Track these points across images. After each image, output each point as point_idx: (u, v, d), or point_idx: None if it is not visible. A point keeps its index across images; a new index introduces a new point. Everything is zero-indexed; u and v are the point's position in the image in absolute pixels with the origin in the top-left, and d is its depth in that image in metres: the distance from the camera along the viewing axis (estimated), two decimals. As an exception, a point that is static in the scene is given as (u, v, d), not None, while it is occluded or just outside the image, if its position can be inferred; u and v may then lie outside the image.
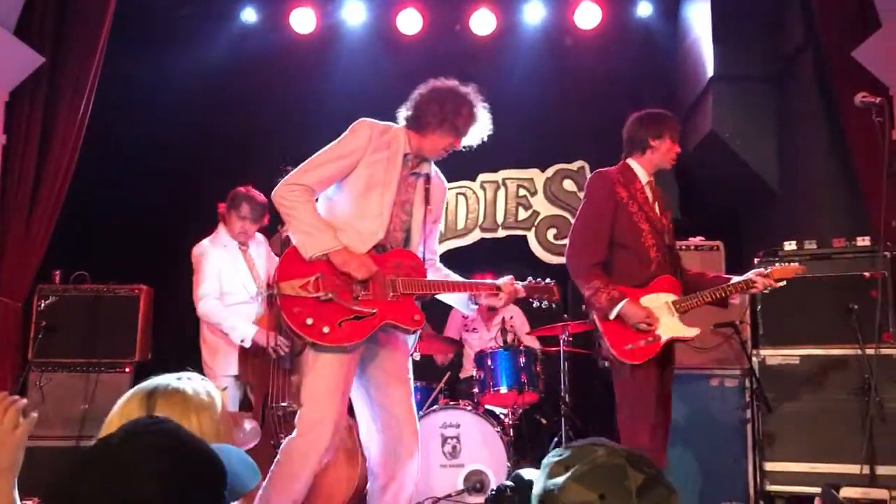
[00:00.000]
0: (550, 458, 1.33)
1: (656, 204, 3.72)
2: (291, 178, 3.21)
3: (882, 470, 4.18)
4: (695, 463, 4.83)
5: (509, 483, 1.82)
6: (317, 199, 3.28)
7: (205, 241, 4.47)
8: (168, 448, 1.18)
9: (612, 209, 3.55)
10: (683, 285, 3.66)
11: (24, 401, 1.47)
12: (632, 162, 3.71)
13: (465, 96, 3.37)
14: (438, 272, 3.54)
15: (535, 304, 3.65)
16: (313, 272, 3.14)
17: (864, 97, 3.65)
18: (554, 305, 3.69)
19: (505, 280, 3.48)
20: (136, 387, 1.59)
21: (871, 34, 4.60)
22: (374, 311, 3.17)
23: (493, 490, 1.78)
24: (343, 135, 3.30)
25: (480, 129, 3.44)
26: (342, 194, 3.28)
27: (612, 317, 3.42)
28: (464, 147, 3.47)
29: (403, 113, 3.41)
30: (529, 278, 3.63)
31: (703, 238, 5.30)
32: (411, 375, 3.43)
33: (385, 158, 3.29)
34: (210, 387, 1.61)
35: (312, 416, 3.14)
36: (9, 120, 5.12)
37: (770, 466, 4.65)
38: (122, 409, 1.52)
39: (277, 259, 3.68)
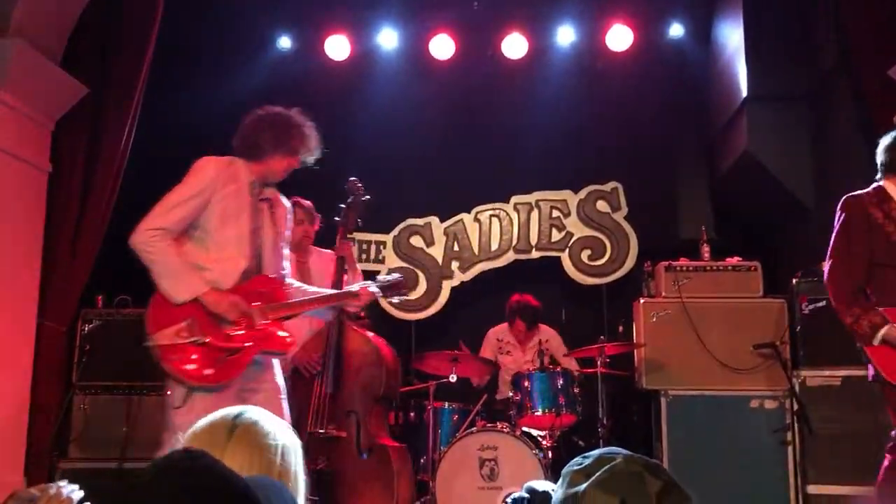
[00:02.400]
0: (570, 467, 1.37)
1: None
2: (147, 223, 3.25)
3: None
4: (735, 486, 4.79)
5: (525, 494, 1.81)
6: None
7: None
8: (203, 489, 1.14)
9: (866, 231, 3.49)
10: None
11: (79, 493, 1.38)
12: (887, 184, 3.60)
13: (291, 118, 3.50)
14: (297, 289, 3.60)
15: (390, 300, 3.85)
16: (184, 317, 3.21)
17: None
18: (398, 299, 3.91)
19: (361, 285, 3.62)
20: (222, 412, 1.59)
21: (906, 53, 4.57)
22: (248, 344, 3.26)
23: (505, 501, 1.78)
24: (188, 175, 3.37)
25: (314, 146, 3.55)
26: (198, 231, 3.34)
27: (875, 343, 3.36)
28: (303, 164, 3.56)
29: (235, 145, 3.50)
30: (378, 276, 3.76)
31: (740, 259, 5.28)
32: (282, 384, 3.48)
33: (234, 190, 3.37)
34: (281, 432, 1.60)
35: None
36: (55, 149, 5.25)
37: (813, 489, 4.60)
38: (204, 437, 1.52)
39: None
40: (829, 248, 3.60)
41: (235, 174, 3.41)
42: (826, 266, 3.57)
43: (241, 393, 3.31)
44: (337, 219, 4.31)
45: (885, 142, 3.63)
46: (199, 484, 1.14)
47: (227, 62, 6.44)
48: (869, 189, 3.61)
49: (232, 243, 3.34)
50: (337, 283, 4.07)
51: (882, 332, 3.32)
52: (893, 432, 3.45)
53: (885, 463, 3.42)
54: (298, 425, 4.17)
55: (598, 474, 1.31)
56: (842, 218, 3.59)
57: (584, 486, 1.30)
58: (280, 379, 3.50)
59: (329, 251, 4.61)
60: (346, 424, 4.14)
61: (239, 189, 3.40)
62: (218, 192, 3.33)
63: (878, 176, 3.63)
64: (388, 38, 6.65)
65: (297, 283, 3.66)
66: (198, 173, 3.37)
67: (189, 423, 3.15)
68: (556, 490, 1.39)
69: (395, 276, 3.77)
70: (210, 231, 3.33)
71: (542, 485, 1.77)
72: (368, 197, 4.31)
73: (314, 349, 4.21)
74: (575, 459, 1.38)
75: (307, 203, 4.61)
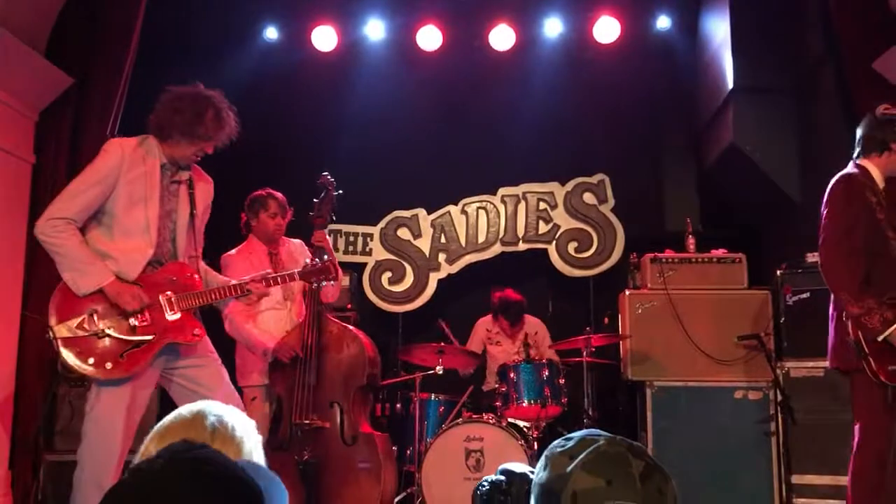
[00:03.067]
0: (552, 449, 1.38)
1: (893, 212, 3.48)
2: (50, 212, 3.20)
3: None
4: (719, 476, 4.82)
5: (501, 477, 1.79)
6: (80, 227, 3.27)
7: (230, 252, 4.54)
8: (209, 475, 1.17)
9: (863, 217, 3.37)
10: None
11: None
12: (867, 164, 3.49)
13: (206, 100, 3.36)
14: (205, 273, 3.54)
15: (315, 285, 3.81)
16: (86, 308, 3.18)
17: (885, 109, 3.62)
18: (333, 283, 3.83)
19: (256, 276, 3.51)
20: (188, 409, 1.59)
21: (891, 46, 4.59)
22: (153, 336, 3.23)
23: (482, 485, 1.75)
24: (96, 158, 3.30)
25: (228, 132, 3.44)
26: (105, 216, 3.28)
27: (880, 339, 3.26)
28: (216, 148, 3.47)
29: (148, 123, 3.41)
30: (305, 261, 3.70)
31: (725, 251, 5.30)
32: (213, 355, 3.48)
33: (143, 173, 3.30)
34: (250, 430, 1.60)
35: (100, 447, 3.17)
36: (39, 140, 5.22)
37: (796, 479, 4.63)
38: (181, 432, 1.51)
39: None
40: (827, 232, 3.42)
41: (145, 156, 3.32)
42: (826, 251, 3.41)
43: (181, 371, 3.32)
44: (311, 213, 4.29)
45: (872, 117, 3.55)
46: (209, 472, 1.17)
47: (214, 53, 6.40)
48: (855, 169, 3.50)
49: (139, 230, 3.27)
50: None
51: (893, 328, 3.22)
52: (857, 428, 3.40)
53: (852, 466, 3.38)
54: (281, 417, 4.21)
55: (582, 456, 1.32)
56: (843, 198, 3.41)
57: (570, 467, 1.32)
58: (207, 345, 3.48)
59: (298, 240, 4.63)
60: (330, 415, 4.15)
61: (147, 172, 3.30)
62: (124, 175, 3.24)
63: (856, 154, 3.56)
64: (375, 29, 6.64)
65: (207, 271, 3.58)
66: (103, 157, 3.28)
67: (103, 416, 3.13)
68: (537, 472, 1.40)
69: (320, 262, 3.66)
70: (117, 217, 3.25)
71: (519, 467, 1.78)
72: (340, 192, 4.31)
73: (294, 341, 4.21)
74: (557, 441, 1.40)
75: (280, 195, 4.58)
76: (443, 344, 5.04)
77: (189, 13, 6.22)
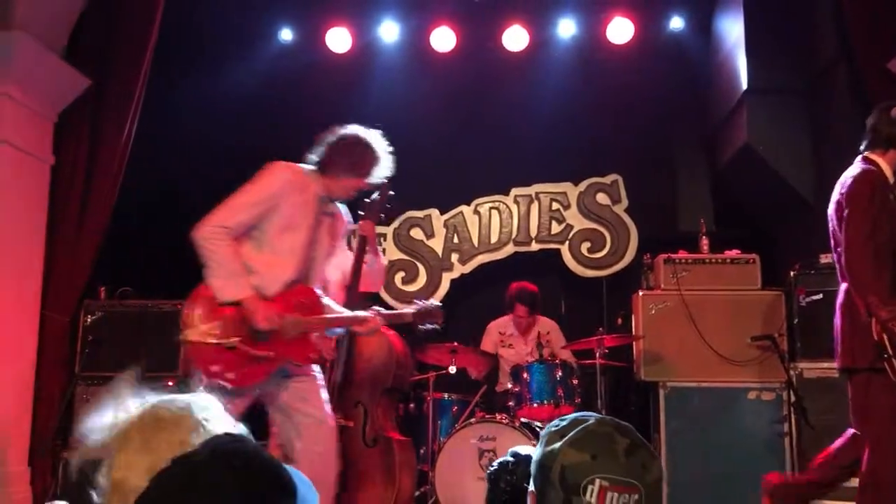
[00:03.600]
0: (548, 428, 1.49)
1: None
2: (213, 220, 3.31)
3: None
4: (733, 477, 4.82)
5: (509, 458, 2.00)
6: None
7: None
8: (253, 468, 1.21)
9: (885, 216, 3.32)
10: None
11: None
12: (876, 158, 3.45)
13: (370, 145, 3.56)
14: (327, 305, 3.65)
15: (421, 326, 3.78)
16: (219, 316, 3.27)
17: None
18: (439, 328, 3.81)
19: (370, 312, 3.62)
20: (183, 405, 1.52)
21: (906, 45, 4.58)
22: (272, 353, 3.32)
23: (492, 465, 1.95)
24: (260, 177, 3.41)
25: (384, 170, 3.64)
26: (256, 231, 3.39)
27: None
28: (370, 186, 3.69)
29: (314, 158, 3.57)
30: (415, 301, 3.79)
31: (739, 251, 5.30)
32: (321, 379, 3.57)
33: (301, 202, 3.44)
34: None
35: None
36: (57, 141, 5.28)
37: (810, 480, 4.61)
38: (173, 432, 1.47)
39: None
40: (850, 233, 3.33)
41: (306, 185, 3.47)
42: (850, 254, 3.32)
43: (293, 383, 3.43)
44: (366, 200, 4.21)
45: (882, 111, 3.52)
46: (249, 464, 1.21)
47: (229, 54, 6.46)
48: (868, 165, 3.44)
49: (285, 252, 3.40)
50: (357, 264, 4.05)
51: None
52: (866, 431, 3.37)
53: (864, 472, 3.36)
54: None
55: (570, 434, 1.43)
56: (865, 198, 3.34)
57: (559, 444, 1.42)
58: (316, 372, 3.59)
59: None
60: (354, 415, 4.17)
61: (306, 201, 3.45)
62: (285, 199, 3.38)
63: (863, 146, 3.52)
64: (389, 31, 6.67)
65: (326, 299, 3.70)
66: (269, 179, 3.41)
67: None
68: (535, 449, 1.51)
69: (434, 303, 3.79)
70: (269, 235, 3.38)
71: (525, 449, 1.98)
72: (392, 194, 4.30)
73: (329, 339, 4.24)
74: (553, 422, 1.51)
75: None
76: (456, 343, 5.06)
77: (204, 15, 6.27)
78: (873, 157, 3.49)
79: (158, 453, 1.40)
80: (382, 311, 3.70)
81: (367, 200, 4.16)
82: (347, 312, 3.64)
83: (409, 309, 3.73)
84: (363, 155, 3.54)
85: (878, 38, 4.79)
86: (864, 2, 4.86)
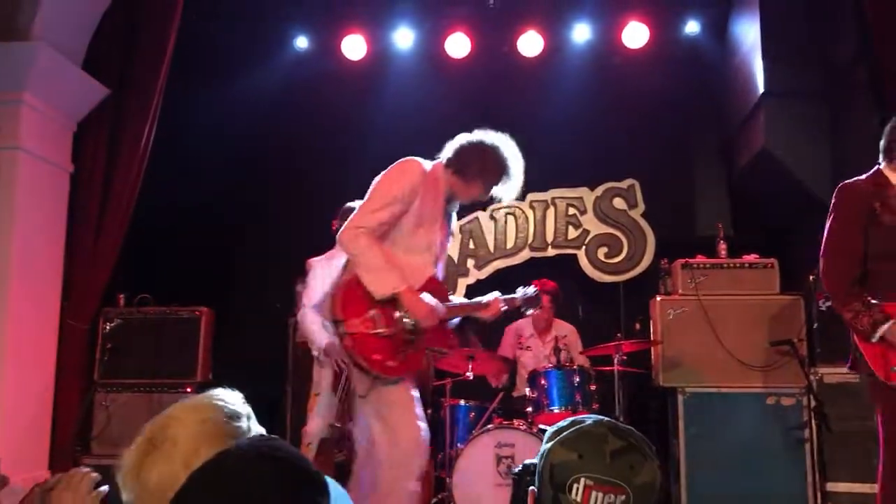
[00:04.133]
0: (551, 430, 1.52)
1: None
2: (356, 221, 3.32)
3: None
4: (753, 483, 4.78)
5: (535, 460, 2.06)
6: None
7: (317, 257, 4.67)
8: (288, 468, 1.24)
9: (862, 221, 3.39)
10: None
11: (96, 475, 1.57)
12: (886, 169, 3.49)
13: (505, 158, 3.51)
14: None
15: (526, 311, 3.93)
16: (367, 309, 3.28)
17: None
18: (531, 311, 4.05)
19: (491, 297, 3.68)
20: (213, 408, 1.57)
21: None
22: (419, 340, 3.37)
23: (518, 467, 1.99)
24: (396, 174, 3.40)
25: (511, 189, 3.59)
26: (392, 230, 3.41)
27: (874, 339, 3.27)
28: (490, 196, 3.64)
29: (447, 153, 3.53)
30: (519, 289, 3.84)
31: (757, 255, 5.26)
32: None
33: (432, 198, 3.44)
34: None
35: (411, 441, 3.29)
36: (76, 150, 5.33)
37: (832, 487, 4.57)
38: (202, 437, 1.52)
39: None
40: (824, 240, 3.51)
41: (436, 181, 3.47)
42: (821, 259, 3.50)
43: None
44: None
45: (891, 124, 3.52)
46: (285, 465, 1.24)
47: (245, 63, 6.50)
48: (867, 175, 3.51)
49: (420, 249, 3.43)
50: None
51: (883, 328, 3.23)
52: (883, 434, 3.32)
53: (881, 468, 3.31)
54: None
55: (564, 433, 1.46)
56: (837, 208, 3.49)
57: (552, 443, 1.46)
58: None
59: None
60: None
61: (436, 197, 3.47)
62: (420, 196, 3.39)
63: (879, 158, 3.52)
64: (404, 38, 6.69)
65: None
66: (403, 176, 3.40)
67: (372, 411, 3.31)
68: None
69: (533, 289, 3.85)
70: (404, 232, 3.40)
71: None
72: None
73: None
74: (556, 423, 1.53)
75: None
76: (472, 350, 5.05)
77: (221, 24, 6.33)
78: (883, 166, 3.49)
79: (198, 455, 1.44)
80: (501, 296, 3.72)
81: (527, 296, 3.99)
82: (463, 301, 3.74)
83: (518, 295, 3.78)
84: (494, 165, 3.49)
85: (897, 40, 4.75)
86: (886, 2, 4.81)
